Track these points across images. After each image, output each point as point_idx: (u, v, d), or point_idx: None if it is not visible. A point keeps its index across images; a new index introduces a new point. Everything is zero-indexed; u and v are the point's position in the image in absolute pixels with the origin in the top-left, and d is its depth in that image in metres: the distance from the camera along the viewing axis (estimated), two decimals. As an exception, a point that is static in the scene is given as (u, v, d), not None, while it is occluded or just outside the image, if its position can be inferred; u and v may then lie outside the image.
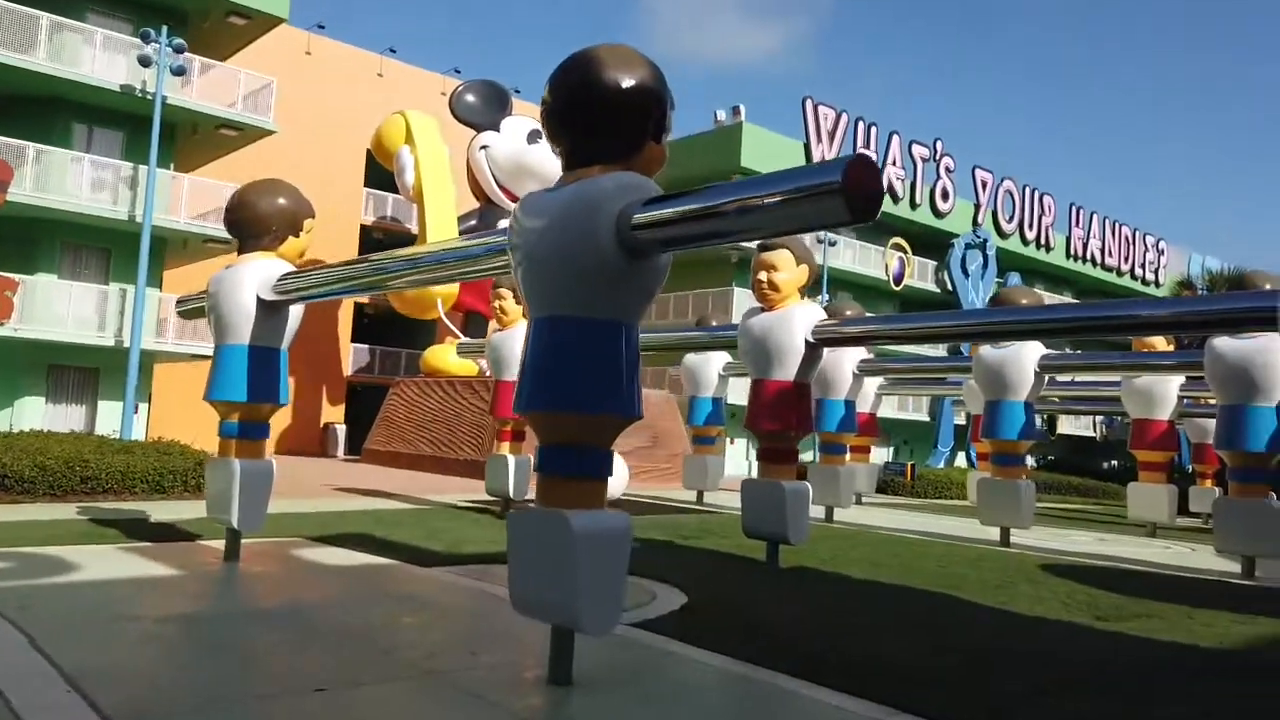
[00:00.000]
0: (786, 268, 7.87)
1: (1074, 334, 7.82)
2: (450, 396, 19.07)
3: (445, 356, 20.29)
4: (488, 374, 19.29)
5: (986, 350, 10.45)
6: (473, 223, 21.81)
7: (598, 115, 3.92)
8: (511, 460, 10.68)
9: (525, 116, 22.88)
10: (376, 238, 26.51)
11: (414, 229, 23.13)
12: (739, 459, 29.59)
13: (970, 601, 6.76)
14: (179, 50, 18.73)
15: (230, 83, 21.25)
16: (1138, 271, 45.27)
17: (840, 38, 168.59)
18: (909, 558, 8.85)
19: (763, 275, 7.93)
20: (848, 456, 17.76)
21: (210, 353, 6.78)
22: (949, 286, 35.28)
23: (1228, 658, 5.31)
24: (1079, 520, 16.71)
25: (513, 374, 10.70)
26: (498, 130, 21.95)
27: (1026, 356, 10.11)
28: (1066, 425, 39.50)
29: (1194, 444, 19.97)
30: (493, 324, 11.58)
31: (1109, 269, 43.67)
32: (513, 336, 10.71)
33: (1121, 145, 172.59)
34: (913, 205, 33.47)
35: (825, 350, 12.42)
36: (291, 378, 23.20)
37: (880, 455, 34.45)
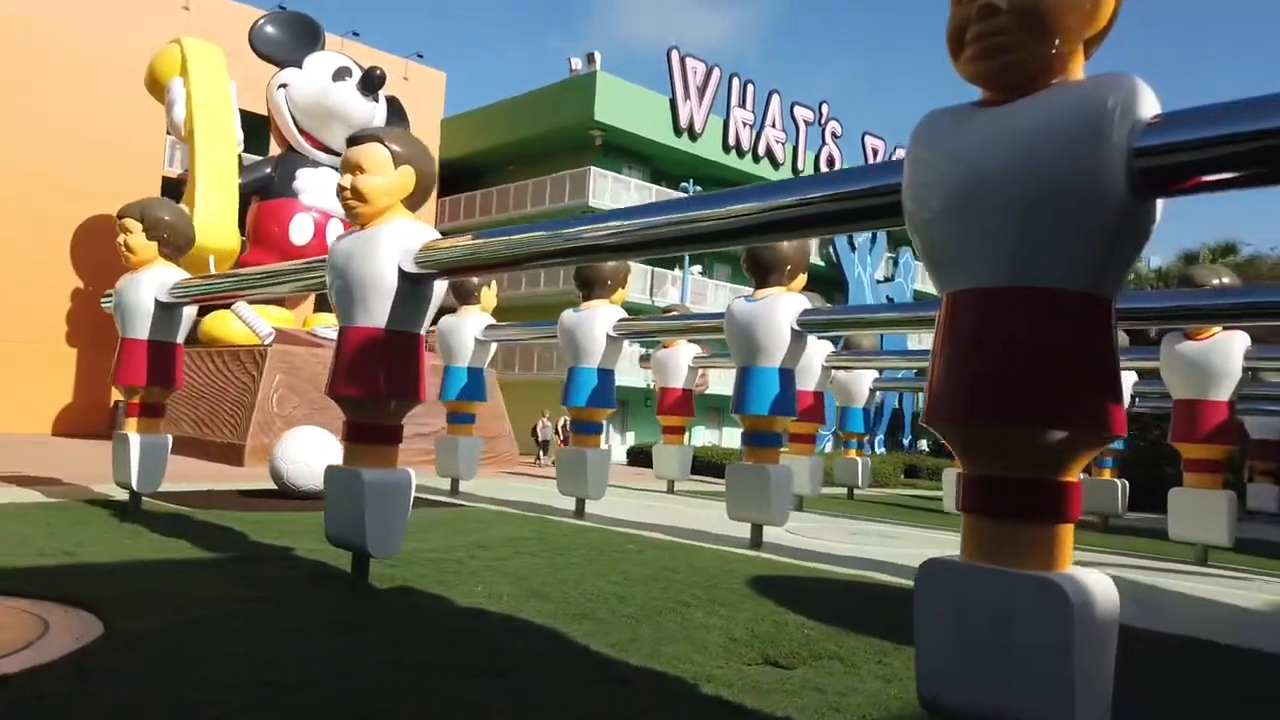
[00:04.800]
0: (378, 169, 5.62)
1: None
2: (220, 370, 16.47)
3: (227, 323, 17.63)
4: (267, 342, 16.77)
5: (737, 305, 8.39)
6: (266, 171, 19.10)
7: None
8: (136, 441, 8.26)
9: (335, 53, 20.24)
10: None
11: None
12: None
13: (580, 646, 4.65)
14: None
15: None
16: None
17: (780, 28, 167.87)
18: (585, 569, 6.71)
19: (345, 179, 5.67)
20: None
21: None
22: (835, 260, 33.55)
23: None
24: (928, 511, 14.88)
25: (141, 330, 8.30)
26: (300, 68, 19.27)
27: (781, 311, 8.06)
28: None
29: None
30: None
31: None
32: (139, 281, 8.28)
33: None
34: (794, 173, 31.55)
35: (589, 314, 10.46)
36: (74, 349, 20.21)
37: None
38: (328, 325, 18.17)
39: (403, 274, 5.50)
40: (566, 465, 9.82)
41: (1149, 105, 2.65)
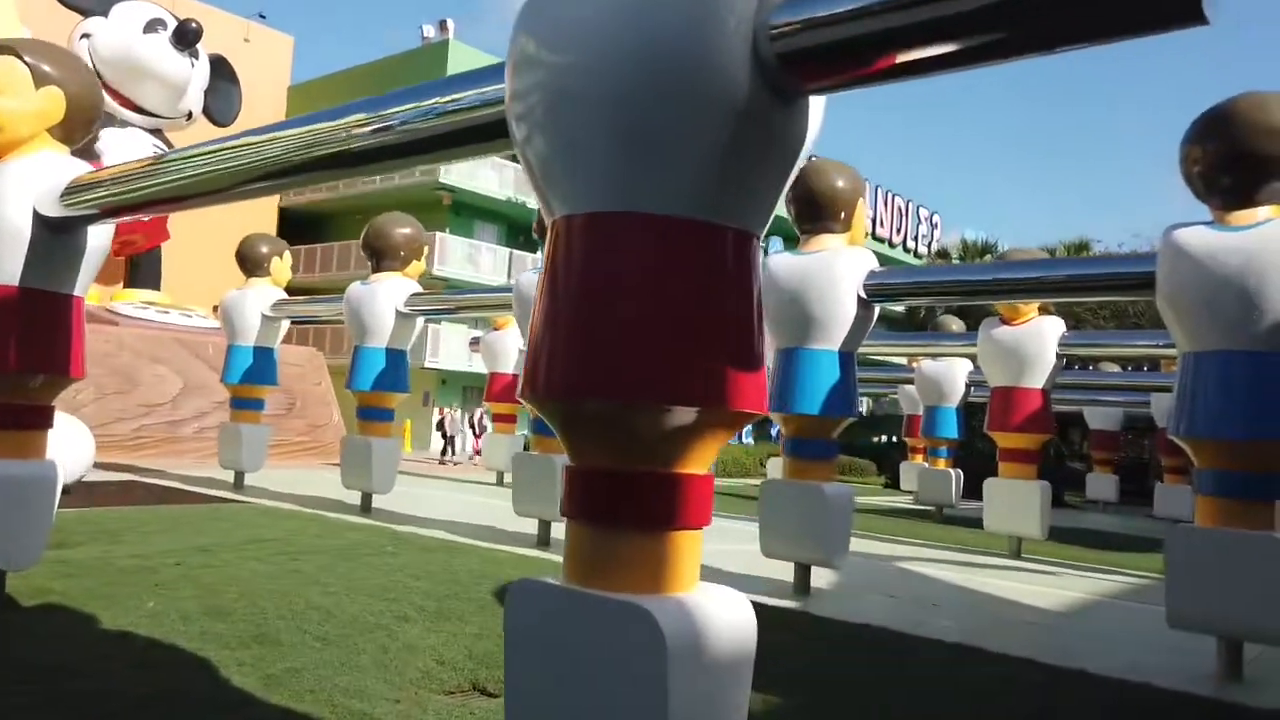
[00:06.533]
0: (12, 89, 4.52)
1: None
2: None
3: None
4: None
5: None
6: (65, 130, 17.19)
7: None
8: None
9: (149, 3, 18.42)
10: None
11: None
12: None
13: (222, 681, 3.74)
14: None
15: None
16: (910, 244, 45.14)
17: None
18: (311, 578, 5.77)
19: (-34, 100, 4.56)
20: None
21: None
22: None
23: None
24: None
25: None
26: (107, 17, 17.41)
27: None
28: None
29: (907, 415, 18.53)
30: None
31: (879, 239, 43.16)
32: None
33: (909, 124, 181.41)
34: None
35: (375, 287, 9.31)
36: None
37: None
38: (133, 302, 16.49)
39: (41, 219, 4.44)
40: (350, 456, 8.83)
41: (790, -34, 1.91)
